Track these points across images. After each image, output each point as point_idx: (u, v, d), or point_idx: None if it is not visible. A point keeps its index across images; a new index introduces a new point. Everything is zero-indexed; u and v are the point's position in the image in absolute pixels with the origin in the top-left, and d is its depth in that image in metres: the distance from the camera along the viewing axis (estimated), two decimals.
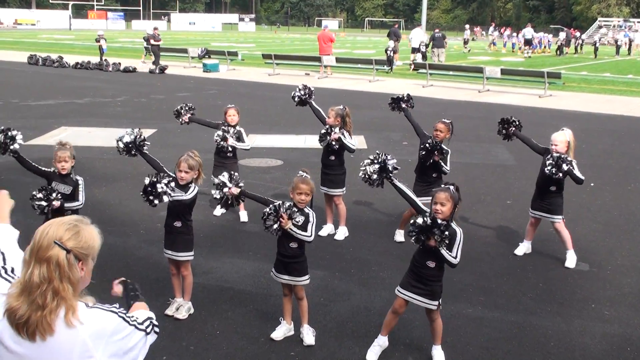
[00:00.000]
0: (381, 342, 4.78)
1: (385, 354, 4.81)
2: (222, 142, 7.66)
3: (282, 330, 5.00)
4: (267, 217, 4.72)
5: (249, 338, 4.98)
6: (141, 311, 2.50)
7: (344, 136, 7.08)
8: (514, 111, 17.64)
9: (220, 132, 7.70)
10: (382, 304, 5.61)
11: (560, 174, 6.31)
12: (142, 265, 6.34)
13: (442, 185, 4.61)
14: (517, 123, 7.21)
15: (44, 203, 5.45)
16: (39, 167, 5.85)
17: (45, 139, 12.30)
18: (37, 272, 2.15)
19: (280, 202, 4.76)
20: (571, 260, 6.62)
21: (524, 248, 6.97)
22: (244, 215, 7.84)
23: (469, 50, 43.39)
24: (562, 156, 6.35)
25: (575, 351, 4.94)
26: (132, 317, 2.35)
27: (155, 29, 27.70)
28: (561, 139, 6.53)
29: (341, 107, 7.26)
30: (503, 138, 7.28)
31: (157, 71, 25.12)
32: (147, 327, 2.38)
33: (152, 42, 26.54)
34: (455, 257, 4.40)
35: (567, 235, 6.66)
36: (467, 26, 49.46)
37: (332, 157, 7.21)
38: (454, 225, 4.47)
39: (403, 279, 4.70)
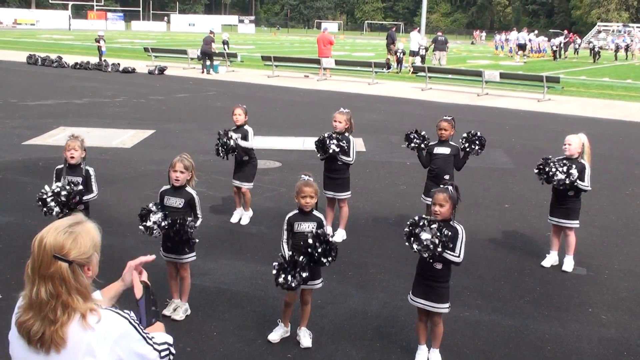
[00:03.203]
0: (422, 350, 4.77)
1: (384, 354, 4.81)
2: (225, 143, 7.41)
3: (280, 333, 4.99)
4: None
5: (245, 340, 4.98)
6: (160, 333, 2.39)
7: (350, 144, 7.11)
8: (512, 115, 17.68)
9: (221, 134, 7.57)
10: (379, 307, 5.62)
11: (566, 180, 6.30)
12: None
13: (442, 186, 4.63)
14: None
15: (53, 205, 5.44)
16: None
17: (44, 139, 12.30)
18: (44, 289, 2.10)
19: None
20: (569, 265, 6.62)
21: (550, 259, 6.77)
22: (245, 218, 7.81)
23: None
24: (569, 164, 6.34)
25: (572, 355, 4.94)
26: (149, 334, 2.27)
27: (212, 32, 27.23)
28: (575, 139, 6.51)
29: (346, 110, 7.26)
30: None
31: (156, 72, 25.17)
32: (162, 350, 2.28)
33: (212, 45, 25.93)
34: (459, 256, 4.41)
35: (574, 241, 6.64)
36: (565, 33, 44.42)
37: (340, 162, 7.19)
38: (455, 224, 4.49)
39: (413, 286, 4.69)
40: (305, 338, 4.91)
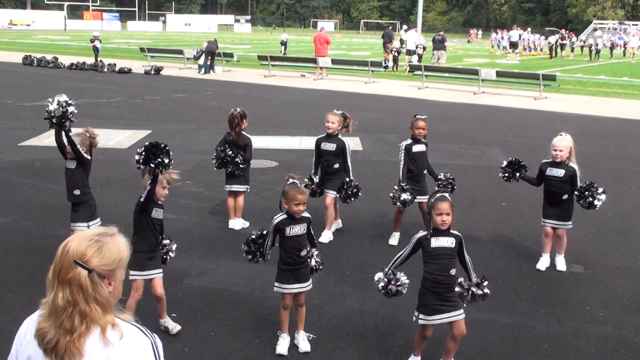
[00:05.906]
0: None
1: (381, 353, 4.81)
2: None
3: (286, 344, 4.85)
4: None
5: (243, 340, 4.98)
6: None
7: (348, 148, 7.29)
8: (509, 113, 17.70)
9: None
10: (376, 306, 5.62)
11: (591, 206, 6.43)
12: None
13: (436, 189, 4.55)
14: (524, 167, 6.99)
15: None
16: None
17: (40, 140, 12.27)
18: (61, 295, 2.02)
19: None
20: (562, 264, 6.64)
21: (545, 262, 6.72)
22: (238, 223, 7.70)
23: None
24: (591, 188, 6.40)
25: (570, 353, 4.95)
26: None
27: (216, 39, 27.44)
28: (564, 144, 6.52)
29: (340, 111, 7.33)
30: (506, 180, 7.07)
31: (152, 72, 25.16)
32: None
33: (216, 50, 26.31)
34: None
35: (565, 241, 6.67)
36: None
37: (337, 165, 7.28)
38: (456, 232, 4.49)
39: (427, 305, 4.45)
40: (304, 342, 4.85)
